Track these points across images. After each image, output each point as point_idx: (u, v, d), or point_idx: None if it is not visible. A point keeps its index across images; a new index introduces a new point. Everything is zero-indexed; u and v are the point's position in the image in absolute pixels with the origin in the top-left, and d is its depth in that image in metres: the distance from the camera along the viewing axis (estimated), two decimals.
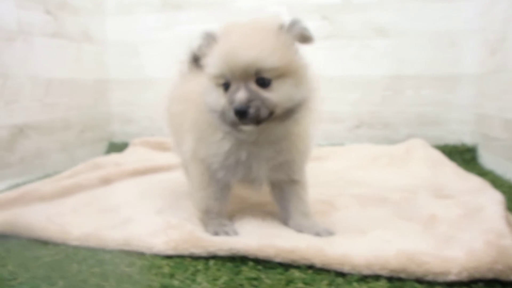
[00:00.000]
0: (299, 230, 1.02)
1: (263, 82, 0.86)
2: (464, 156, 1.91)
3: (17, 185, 1.56)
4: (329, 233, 0.98)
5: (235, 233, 1.01)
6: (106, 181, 1.54)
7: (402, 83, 2.07)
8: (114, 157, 1.97)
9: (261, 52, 0.84)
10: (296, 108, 0.90)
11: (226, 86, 0.89)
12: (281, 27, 0.89)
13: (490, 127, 1.78)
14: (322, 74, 2.14)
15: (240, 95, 0.85)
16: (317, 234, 0.99)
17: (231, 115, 0.86)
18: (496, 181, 1.46)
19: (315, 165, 1.76)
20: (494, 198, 1.04)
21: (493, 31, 1.79)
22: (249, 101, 0.84)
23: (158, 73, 2.34)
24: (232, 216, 1.13)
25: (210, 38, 0.94)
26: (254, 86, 0.86)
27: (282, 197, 1.07)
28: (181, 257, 0.91)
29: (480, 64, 1.93)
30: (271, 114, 0.87)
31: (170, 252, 0.92)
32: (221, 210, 1.06)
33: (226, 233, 1.00)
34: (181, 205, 1.24)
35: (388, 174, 1.56)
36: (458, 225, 0.95)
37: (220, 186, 1.05)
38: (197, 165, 1.05)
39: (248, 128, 0.88)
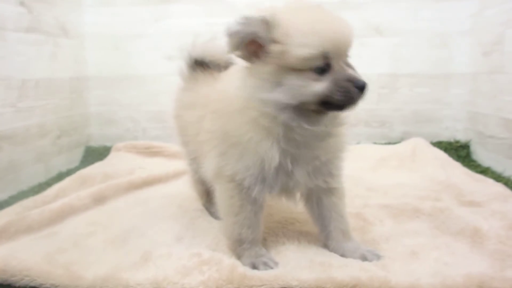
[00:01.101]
0: (342, 253, 0.95)
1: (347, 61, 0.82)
2: (458, 152, 1.97)
3: None
4: (377, 256, 0.92)
5: (275, 263, 0.90)
6: (99, 199, 1.34)
7: (398, 81, 2.09)
8: (101, 167, 1.77)
9: (352, 29, 0.80)
10: None
11: (321, 69, 0.79)
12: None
13: (486, 125, 1.84)
14: None
15: (354, 73, 0.81)
16: (364, 258, 0.92)
17: (355, 92, 0.80)
18: (498, 179, 1.51)
19: None
20: None
21: (487, 32, 1.84)
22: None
23: (143, 70, 2.17)
24: (263, 239, 1.02)
25: (267, 23, 0.79)
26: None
27: (320, 213, 0.98)
28: None
29: (472, 64, 1.98)
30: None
31: None
32: (255, 238, 0.94)
33: (266, 265, 0.89)
34: (200, 227, 1.13)
35: (403, 177, 1.56)
36: (508, 240, 0.95)
37: (254, 208, 0.92)
38: (224, 186, 0.92)
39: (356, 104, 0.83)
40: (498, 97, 1.73)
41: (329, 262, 0.89)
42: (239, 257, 0.94)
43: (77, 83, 2.10)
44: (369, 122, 2.14)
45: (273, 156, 0.84)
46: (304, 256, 0.93)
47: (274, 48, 0.78)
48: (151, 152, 1.99)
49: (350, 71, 0.81)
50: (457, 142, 2.03)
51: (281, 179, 0.88)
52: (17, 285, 0.85)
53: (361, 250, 0.94)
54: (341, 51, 0.80)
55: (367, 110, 2.13)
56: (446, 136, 2.08)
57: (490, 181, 1.42)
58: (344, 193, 1.00)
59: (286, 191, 0.94)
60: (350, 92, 0.80)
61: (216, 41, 1.16)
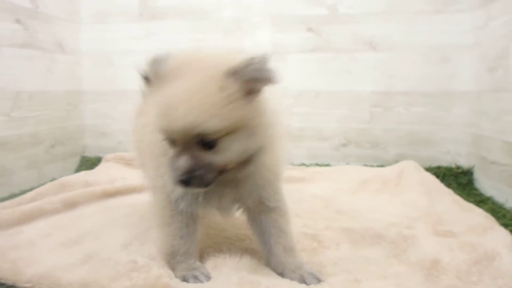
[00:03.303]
0: (282, 270, 0.90)
1: (207, 145, 0.74)
2: (459, 179, 1.80)
3: None
4: (317, 279, 0.86)
5: (207, 277, 0.88)
6: (71, 205, 1.40)
7: (392, 100, 1.98)
8: (84, 175, 1.80)
9: (199, 116, 0.71)
10: (253, 157, 0.79)
11: (171, 143, 0.78)
12: (229, 73, 0.72)
13: (489, 150, 1.67)
14: (307, 88, 2.09)
15: (182, 163, 0.74)
16: (302, 280, 0.86)
17: (175, 181, 0.76)
18: (497, 210, 1.36)
19: (298, 187, 1.65)
20: (505, 241, 0.94)
21: (491, 46, 1.70)
22: (191, 170, 0.74)
23: (134, 85, 2.22)
24: (205, 253, 1.00)
25: (158, 69, 0.79)
26: (197, 151, 0.75)
27: (260, 229, 0.94)
28: None
29: (476, 81, 1.84)
30: (221, 172, 0.78)
31: None
32: (188, 250, 0.92)
33: (196, 278, 0.87)
34: (151, 236, 1.11)
35: (380, 202, 1.44)
36: (467, 276, 0.84)
37: (185, 220, 0.91)
38: (157, 196, 0.93)
39: (195, 190, 0.81)
40: (501, 118, 1.57)
41: (259, 281, 0.84)
42: (173, 269, 0.92)
43: (72, 97, 2.19)
44: (360, 142, 2.03)
45: None
46: (237, 273, 0.88)
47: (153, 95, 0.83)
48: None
49: (180, 162, 0.75)
50: (458, 168, 1.85)
51: (206, 200, 0.88)
52: None
53: (301, 271, 0.88)
54: (177, 138, 0.75)
55: (358, 130, 2.02)
56: (447, 160, 1.92)
57: (477, 211, 1.28)
58: (286, 211, 0.95)
59: (220, 208, 0.93)
60: (172, 173, 0.77)
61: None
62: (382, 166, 1.94)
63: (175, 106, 0.72)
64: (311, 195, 1.54)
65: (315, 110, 2.04)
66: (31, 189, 1.68)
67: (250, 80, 0.73)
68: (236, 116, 0.73)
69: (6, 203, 1.39)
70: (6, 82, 1.70)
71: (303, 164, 2.03)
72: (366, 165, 1.97)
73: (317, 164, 2.02)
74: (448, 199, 1.42)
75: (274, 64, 0.74)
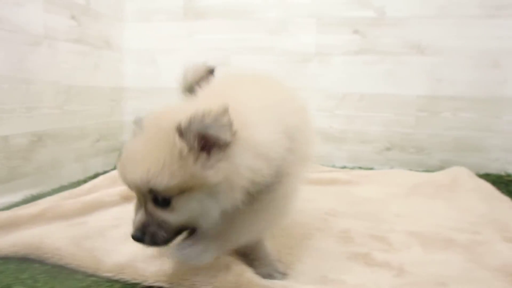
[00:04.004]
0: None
1: (162, 202, 0.71)
2: (510, 187, 1.74)
3: (33, 197, 1.50)
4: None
5: (284, 275, 0.89)
6: (126, 198, 1.42)
7: (439, 104, 1.96)
8: None
9: (148, 173, 0.68)
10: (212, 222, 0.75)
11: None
12: (178, 130, 0.68)
13: None
14: (351, 91, 2.08)
15: (137, 218, 0.74)
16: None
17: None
18: None
19: (348, 189, 1.64)
20: None
21: None
22: (143, 227, 0.73)
23: (175, 83, 2.24)
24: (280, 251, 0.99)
25: (137, 128, 0.78)
26: (153, 207, 0.73)
27: None
28: None
29: None
30: (179, 232, 0.76)
31: None
32: None
33: (274, 275, 0.87)
34: None
35: (436, 207, 1.41)
36: None
37: None
38: None
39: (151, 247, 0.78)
40: None
41: (342, 279, 0.84)
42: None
43: (115, 93, 2.22)
44: (405, 147, 2.01)
45: None
46: (316, 271, 0.88)
47: None
48: None
49: (136, 217, 0.75)
50: (508, 175, 1.81)
51: None
52: (48, 262, 0.96)
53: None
54: (130, 188, 0.74)
55: (403, 134, 2.00)
56: (495, 168, 1.88)
57: None
58: None
59: None
60: None
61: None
62: (426, 171, 1.92)
63: (128, 161, 0.72)
64: (363, 198, 1.52)
65: (358, 113, 2.03)
66: (78, 182, 1.75)
67: (199, 137, 0.68)
68: (188, 174, 0.68)
69: (66, 193, 1.43)
70: (61, 76, 1.74)
71: (345, 167, 2.02)
72: (410, 170, 1.95)
73: (360, 167, 2.01)
74: (507, 205, 1.39)
75: (229, 120, 0.68)
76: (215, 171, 0.69)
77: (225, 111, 0.67)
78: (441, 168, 1.91)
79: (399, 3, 1.97)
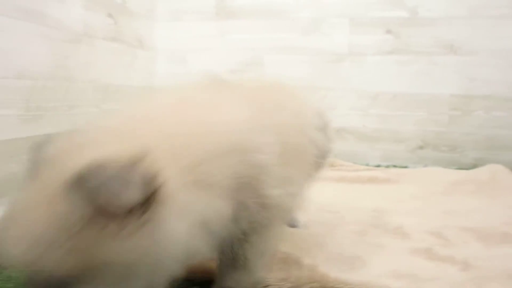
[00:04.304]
0: None
1: None
2: None
3: None
4: None
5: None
6: None
7: (472, 103, 1.97)
8: None
9: (30, 250, 0.44)
10: None
11: None
12: (69, 186, 0.44)
13: None
14: (384, 90, 2.09)
15: None
16: None
17: None
18: None
19: (388, 187, 1.64)
20: None
21: None
22: None
23: None
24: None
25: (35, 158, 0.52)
26: None
27: None
28: None
29: None
30: None
31: None
32: None
33: None
34: None
35: (481, 204, 1.41)
36: None
37: None
38: None
39: None
40: None
41: (414, 274, 0.84)
42: None
43: (145, 93, 2.24)
44: (438, 145, 2.02)
45: None
46: (384, 266, 0.89)
47: None
48: None
49: None
50: None
51: None
52: None
53: None
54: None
55: (437, 133, 2.01)
56: None
57: None
58: None
59: None
60: None
61: None
62: (460, 169, 1.92)
63: (7, 227, 0.47)
64: (406, 196, 1.53)
65: (391, 112, 2.04)
66: None
67: (96, 197, 0.44)
68: (89, 251, 0.45)
69: None
70: (99, 74, 1.75)
71: (378, 166, 2.02)
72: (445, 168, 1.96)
73: (394, 166, 2.01)
74: None
75: (144, 173, 0.45)
76: (128, 245, 0.46)
77: (139, 159, 0.45)
78: (474, 166, 1.92)
79: (431, 3, 1.98)
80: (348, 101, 2.06)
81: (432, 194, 1.55)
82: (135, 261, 0.47)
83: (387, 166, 2.01)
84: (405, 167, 2.00)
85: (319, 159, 0.87)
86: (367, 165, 2.02)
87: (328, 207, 1.34)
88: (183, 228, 0.50)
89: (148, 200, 0.46)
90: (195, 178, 0.53)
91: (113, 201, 0.44)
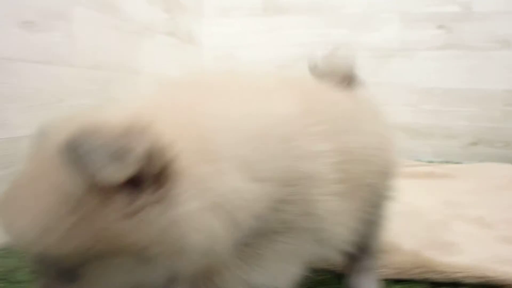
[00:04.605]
0: None
1: (64, 275, 0.43)
2: None
3: None
4: None
5: None
6: None
7: None
8: None
9: (34, 228, 0.40)
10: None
11: None
12: (61, 155, 0.38)
13: None
14: (436, 86, 2.07)
15: None
16: None
17: None
18: None
19: (446, 182, 1.62)
20: None
21: None
22: None
23: None
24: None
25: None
26: (52, 281, 0.44)
27: None
28: None
29: None
30: None
31: None
32: None
33: None
34: None
35: None
36: None
37: None
38: None
39: None
40: None
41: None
42: None
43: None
44: (492, 141, 1.99)
45: None
46: (480, 253, 0.89)
47: None
48: None
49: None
50: None
51: None
52: None
53: None
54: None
55: (490, 129, 1.99)
56: None
57: None
58: None
59: None
60: None
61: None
62: None
63: (9, 204, 0.43)
64: (469, 190, 1.51)
65: (443, 107, 2.03)
66: None
67: (86, 170, 0.38)
68: (95, 229, 0.40)
69: None
70: (158, 67, 1.77)
71: (431, 162, 2.00)
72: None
73: (446, 162, 1.99)
74: None
75: (137, 147, 0.38)
76: (138, 225, 0.41)
77: (138, 128, 0.39)
78: None
79: None
80: (399, 97, 2.05)
81: (494, 188, 1.54)
82: (149, 244, 0.41)
83: (440, 162, 1.99)
84: (459, 163, 1.98)
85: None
86: (419, 160, 2.00)
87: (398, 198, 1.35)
88: (204, 209, 0.44)
89: (161, 176, 0.41)
90: (217, 158, 0.45)
91: (100, 172, 0.37)
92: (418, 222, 1.10)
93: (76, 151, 0.37)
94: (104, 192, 0.39)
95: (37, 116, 1.09)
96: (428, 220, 1.13)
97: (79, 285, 0.43)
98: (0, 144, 1.01)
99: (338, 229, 0.56)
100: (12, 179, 0.44)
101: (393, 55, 2.07)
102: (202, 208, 0.43)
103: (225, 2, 2.29)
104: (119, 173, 0.37)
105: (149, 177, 0.40)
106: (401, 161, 2.07)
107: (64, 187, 0.39)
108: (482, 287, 0.80)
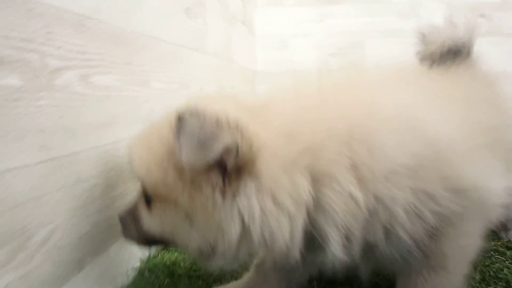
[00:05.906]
0: None
1: (146, 200, 0.63)
2: None
3: None
4: None
5: None
6: None
7: None
8: None
9: (139, 159, 0.61)
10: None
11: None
12: (172, 126, 0.53)
13: None
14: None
15: (128, 204, 0.70)
16: None
17: None
18: None
19: None
20: None
21: None
22: (122, 219, 0.68)
23: (307, 67, 2.34)
24: None
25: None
26: (142, 203, 0.65)
27: None
28: None
29: None
30: (150, 242, 0.66)
31: None
32: None
33: None
34: None
35: None
36: None
37: None
38: None
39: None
40: None
41: None
42: None
43: (250, 76, 2.31)
44: None
45: None
46: None
47: None
48: None
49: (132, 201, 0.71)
50: None
51: None
52: None
53: None
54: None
55: None
56: None
57: None
58: None
59: None
60: None
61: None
62: None
63: (134, 142, 0.65)
64: None
65: None
66: None
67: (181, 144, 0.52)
68: (164, 178, 0.56)
69: None
70: (239, 56, 1.81)
71: None
72: None
73: None
74: None
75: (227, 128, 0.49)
76: (207, 200, 0.52)
77: (227, 122, 0.48)
78: None
79: None
80: None
81: None
82: (202, 218, 0.54)
83: None
84: None
85: None
86: None
87: None
88: (266, 203, 0.51)
89: (240, 171, 0.50)
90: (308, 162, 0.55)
91: (183, 156, 0.50)
92: None
93: (178, 128, 0.49)
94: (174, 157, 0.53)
95: None
96: None
97: (149, 212, 0.63)
98: None
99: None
100: (142, 128, 0.65)
101: None
102: (267, 203, 0.51)
103: None
104: (199, 160, 0.50)
105: (231, 168, 0.50)
106: None
107: (167, 142, 0.55)
108: None
